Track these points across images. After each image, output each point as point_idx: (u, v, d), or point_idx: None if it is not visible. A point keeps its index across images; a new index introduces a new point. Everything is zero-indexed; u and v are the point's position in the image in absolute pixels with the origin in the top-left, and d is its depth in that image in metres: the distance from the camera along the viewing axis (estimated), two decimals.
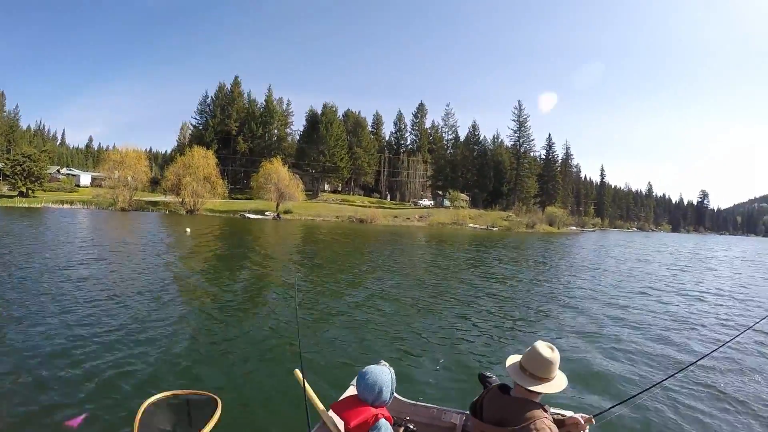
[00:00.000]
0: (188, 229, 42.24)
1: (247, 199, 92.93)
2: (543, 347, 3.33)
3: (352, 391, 3.99)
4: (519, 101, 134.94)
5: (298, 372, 3.85)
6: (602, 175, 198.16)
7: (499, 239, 60.60)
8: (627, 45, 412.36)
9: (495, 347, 11.01)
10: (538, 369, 3.25)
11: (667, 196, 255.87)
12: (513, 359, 3.49)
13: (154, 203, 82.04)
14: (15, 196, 77.53)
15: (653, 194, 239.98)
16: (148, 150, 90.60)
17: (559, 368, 3.38)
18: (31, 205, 71.44)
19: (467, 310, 14.97)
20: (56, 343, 9.60)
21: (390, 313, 13.89)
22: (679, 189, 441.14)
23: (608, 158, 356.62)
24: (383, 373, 3.43)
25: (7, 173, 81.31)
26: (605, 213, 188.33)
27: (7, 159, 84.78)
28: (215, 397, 2.45)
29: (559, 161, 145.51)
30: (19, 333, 10.16)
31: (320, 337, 11.02)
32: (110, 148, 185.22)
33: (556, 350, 3.35)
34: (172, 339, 10.35)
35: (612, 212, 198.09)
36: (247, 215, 77.04)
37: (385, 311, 14.08)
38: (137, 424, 1.77)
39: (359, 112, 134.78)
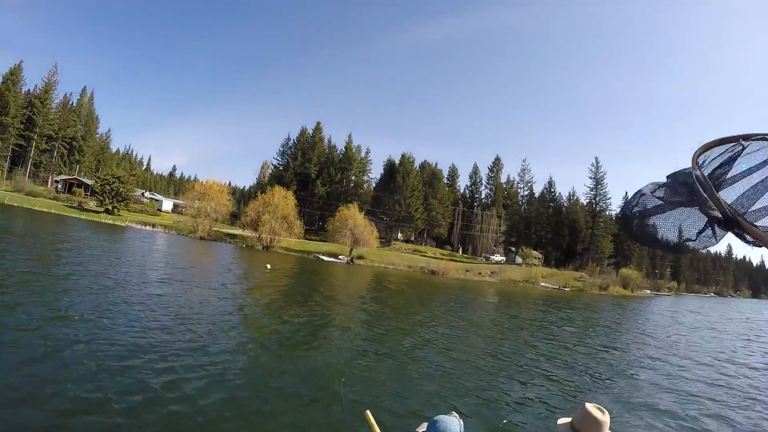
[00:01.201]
0: (268, 265, 42.89)
1: (321, 241, 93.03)
2: (593, 408, 3.29)
3: None
4: (596, 158, 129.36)
5: (368, 413, 3.92)
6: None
7: (571, 300, 58.38)
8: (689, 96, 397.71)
9: (555, 410, 10.85)
10: (588, 429, 3.23)
11: (747, 259, 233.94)
12: (563, 420, 3.46)
13: (232, 236, 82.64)
14: (101, 212, 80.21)
15: (733, 257, 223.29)
16: (227, 184, 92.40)
17: None
18: (116, 223, 73.91)
19: (532, 371, 15.05)
20: (115, 354, 10.41)
21: (456, 367, 14.04)
22: (761, 251, 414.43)
23: None
24: (453, 423, 3.41)
25: (97, 190, 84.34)
26: (682, 276, 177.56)
27: (98, 177, 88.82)
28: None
29: None
30: (84, 343, 11.02)
31: (387, 383, 11.34)
32: (191, 178, 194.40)
33: (606, 413, 3.30)
34: (236, 370, 10.79)
35: (689, 276, 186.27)
36: (321, 257, 76.44)
37: (451, 365, 14.20)
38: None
39: (436, 164, 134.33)
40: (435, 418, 3.45)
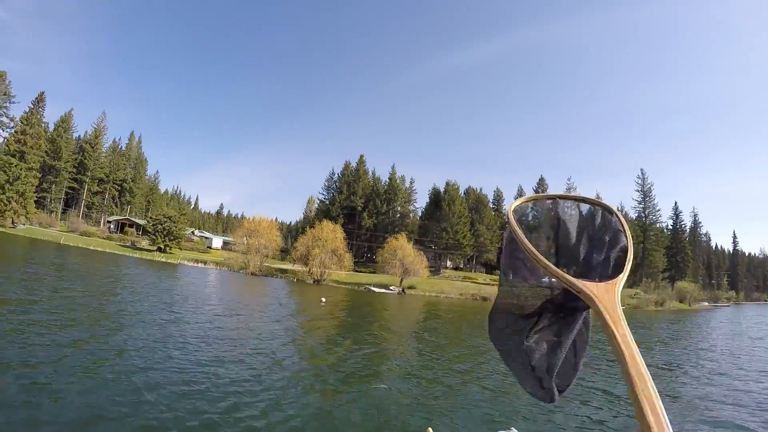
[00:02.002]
0: (323, 299, 43.30)
1: (371, 272, 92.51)
2: None
3: None
4: (642, 170, 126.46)
5: (430, 430, 4.17)
6: (734, 243, 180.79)
7: (627, 319, 55.94)
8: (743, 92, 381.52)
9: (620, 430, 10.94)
10: None
11: None
12: None
13: (283, 270, 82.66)
14: (154, 251, 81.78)
15: None
16: (274, 219, 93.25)
17: None
18: (168, 261, 74.96)
19: (591, 392, 14.95)
20: (174, 385, 10.97)
21: (509, 391, 13.87)
22: None
23: (740, 222, 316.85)
24: None
25: (149, 230, 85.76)
26: (740, 285, 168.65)
27: (150, 218, 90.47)
28: (605, 203, 1.50)
29: (687, 230, 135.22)
30: (140, 375, 11.48)
31: (446, 405, 11.65)
32: (238, 215, 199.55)
33: None
34: (290, 401, 10.96)
35: (747, 283, 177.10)
36: (372, 288, 75.49)
37: (508, 388, 14.12)
38: (522, 237, 1.37)
39: (480, 189, 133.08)
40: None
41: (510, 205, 1.67)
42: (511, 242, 1.55)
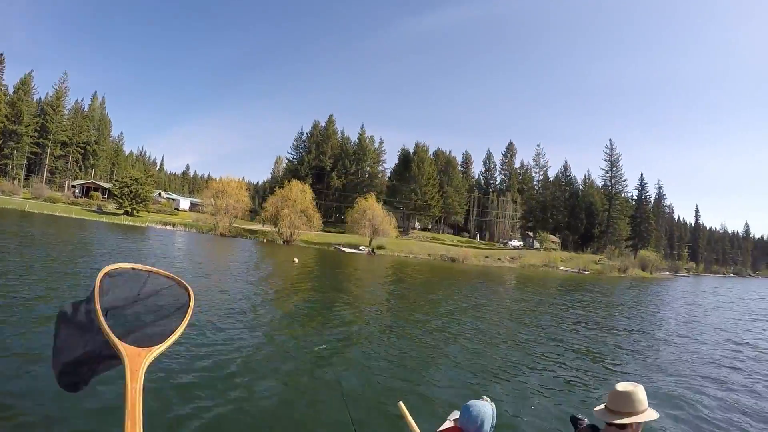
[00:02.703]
0: (296, 259, 43.45)
1: (339, 232, 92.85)
2: (623, 384, 3.33)
3: (449, 424, 4.02)
4: (610, 140, 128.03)
5: (401, 404, 3.89)
6: (697, 216, 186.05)
7: (591, 283, 57.79)
8: (716, 72, 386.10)
9: (584, 391, 11.19)
10: (622, 405, 3.22)
11: (766, 238, 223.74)
12: (598, 407, 3.43)
13: (252, 231, 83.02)
14: (121, 215, 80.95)
15: (751, 236, 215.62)
16: (242, 179, 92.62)
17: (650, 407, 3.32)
18: (136, 224, 74.37)
19: (559, 354, 14.91)
20: None
21: (483, 353, 14.11)
22: None
23: (702, 197, 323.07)
24: (485, 408, 3.52)
25: (115, 193, 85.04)
26: (700, 257, 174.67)
27: (116, 180, 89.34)
28: (185, 284, 1.87)
29: (652, 201, 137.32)
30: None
31: (416, 372, 11.33)
32: (205, 176, 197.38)
33: (639, 386, 3.28)
34: (267, 367, 10.74)
35: (707, 256, 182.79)
36: (342, 248, 76.48)
37: (479, 352, 14.24)
38: (97, 291, 1.56)
39: (450, 152, 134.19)
40: (468, 403, 3.57)
41: (108, 266, 1.83)
42: (94, 294, 1.68)
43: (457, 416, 3.74)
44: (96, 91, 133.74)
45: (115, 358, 1.54)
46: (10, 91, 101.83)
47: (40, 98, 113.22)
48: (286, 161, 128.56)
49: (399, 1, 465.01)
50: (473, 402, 3.57)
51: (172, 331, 1.68)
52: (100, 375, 1.72)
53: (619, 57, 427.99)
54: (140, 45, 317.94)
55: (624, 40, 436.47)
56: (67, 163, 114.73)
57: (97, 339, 1.62)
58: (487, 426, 3.46)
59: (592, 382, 11.94)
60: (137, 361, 1.45)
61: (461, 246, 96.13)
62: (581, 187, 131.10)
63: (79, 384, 1.71)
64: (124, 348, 1.50)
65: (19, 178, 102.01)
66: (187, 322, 1.76)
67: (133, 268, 1.90)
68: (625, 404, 3.19)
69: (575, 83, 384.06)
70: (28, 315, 12.04)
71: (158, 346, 1.57)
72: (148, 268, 1.93)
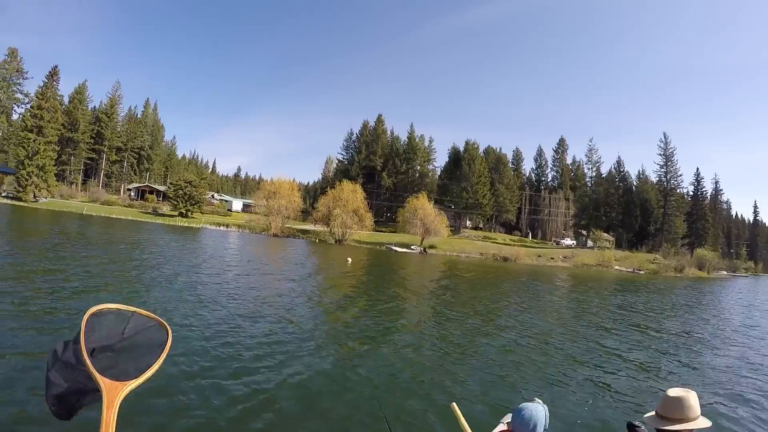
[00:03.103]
0: (349, 259, 43.75)
1: (391, 232, 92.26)
2: (675, 390, 3.27)
3: (502, 427, 3.93)
4: (664, 133, 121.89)
5: (454, 405, 3.78)
6: (755, 213, 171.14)
7: (646, 283, 55.19)
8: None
9: (637, 396, 10.70)
10: (673, 411, 3.17)
11: None
12: (649, 414, 3.37)
13: (305, 231, 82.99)
14: (176, 216, 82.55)
15: None
16: (293, 180, 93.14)
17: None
18: (191, 225, 75.79)
19: (611, 358, 14.48)
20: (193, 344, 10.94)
21: (533, 354, 13.69)
22: None
23: (762, 192, 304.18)
24: (538, 410, 3.39)
25: (170, 195, 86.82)
26: (759, 256, 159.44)
27: (171, 183, 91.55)
28: (165, 323, 2.13)
29: (708, 197, 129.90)
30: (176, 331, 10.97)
31: (468, 373, 11.15)
32: (256, 177, 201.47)
33: (692, 392, 3.22)
34: (319, 362, 10.83)
35: (767, 255, 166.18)
36: (394, 248, 75.33)
37: (530, 353, 13.90)
38: (83, 330, 1.82)
39: (500, 149, 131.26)
40: (520, 405, 3.44)
41: (94, 306, 1.96)
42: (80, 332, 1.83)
43: (510, 419, 3.65)
44: (148, 98, 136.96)
45: (98, 390, 1.68)
46: (66, 100, 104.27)
47: (94, 106, 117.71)
48: (337, 161, 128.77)
49: None
50: (526, 404, 3.44)
51: (149, 367, 1.84)
52: (87, 405, 1.86)
53: (674, 44, 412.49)
54: (189, 50, 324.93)
55: (679, 25, 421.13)
56: (122, 167, 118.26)
57: (82, 373, 1.77)
58: (540, 429, 3.33)
59: (644, 387, 11.51)
60: (113, 393, 1.61)
61: (513, 245, 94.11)
62: (635, 183, 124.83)
63: (69, 413, 1.85)
64: (102, 381, 1.65)
65: (76, 183, 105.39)
66: (162, 359, 1.91)
67: (118, 309, 2.06)
68: (676, 410, 3.14)
69: (627, 73, 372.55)
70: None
71: (134, 380, 1.72)
72: (132, 308, 2.09)
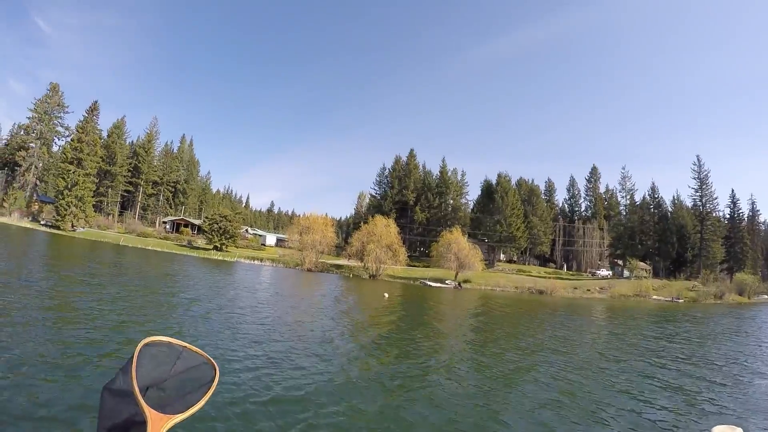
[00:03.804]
0: (386, 294, 43.28)
1: (424, 266, 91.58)
2: (721, 428, 3.24)
3: None
4: (697, 156, 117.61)
5: None
6: None
7: (686, 312, 53.80)
8: None
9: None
10: None
11: None
12: None
13: (338, 266, 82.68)
14: (210, 249, 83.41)
15: None
16: (324, 215, 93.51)
17: None
18: (225, 259, 76.21)
19: (651, 392, 14.02)
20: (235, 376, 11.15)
21: (571, 391, 13.38)
22: None
23: None
24: None
25: (206, 229, 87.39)
26: None
27: (206, 217, 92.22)
28: (213, 362, 2.21)
29: (745, 219, 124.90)
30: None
31: (511, 411, 11.04)
32: (288, 212, 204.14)
33: (738, 429, 3.20)
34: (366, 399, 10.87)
35: None
36: (428, 283, 74.08)
37: (567, 389, 13.53)
38: (135, 360, 1.91)
39: (533, 180, 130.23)
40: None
41: (147, 338, 2.02)
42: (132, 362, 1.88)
43: None
44: (184, 134, 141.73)
45: (144, 421, 1.73)
46: (105, 134, 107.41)
47: (132, 141, 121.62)
48: (369, 196, 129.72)
49: (467, 28, 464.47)
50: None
51: (194, 403, 1.89)
52: None
53: (701, 62, 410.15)
54: (225, 89, 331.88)
55: (706, 42, 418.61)
56: (158, 200, 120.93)
57: (131, 402, 1.80)
58: None
59: (690, 422, 11.23)
60: (159, 425, 1.67)
61: (548, 277, 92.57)
62: (670, 209, 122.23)
63: None
64: (149, 412, 1.70)
65: (113, 214, 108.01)
66: (208, 397, 1.97)
67: (169, 342, 2.13)
68: None
69: (656, 96, 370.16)
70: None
71: (180, 414, 1.78)
72: (183, 343, 2.16)
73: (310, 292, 39.32)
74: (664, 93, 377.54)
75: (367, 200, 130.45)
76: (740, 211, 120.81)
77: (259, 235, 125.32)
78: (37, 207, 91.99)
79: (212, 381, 2.04)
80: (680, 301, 79.70)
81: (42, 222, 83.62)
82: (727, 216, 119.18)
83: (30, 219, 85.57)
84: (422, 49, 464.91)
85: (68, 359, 10.48)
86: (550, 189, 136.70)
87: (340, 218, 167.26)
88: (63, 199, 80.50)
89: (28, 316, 14.55)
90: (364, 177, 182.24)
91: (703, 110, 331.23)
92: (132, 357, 1.85)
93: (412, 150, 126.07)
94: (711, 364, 19.44)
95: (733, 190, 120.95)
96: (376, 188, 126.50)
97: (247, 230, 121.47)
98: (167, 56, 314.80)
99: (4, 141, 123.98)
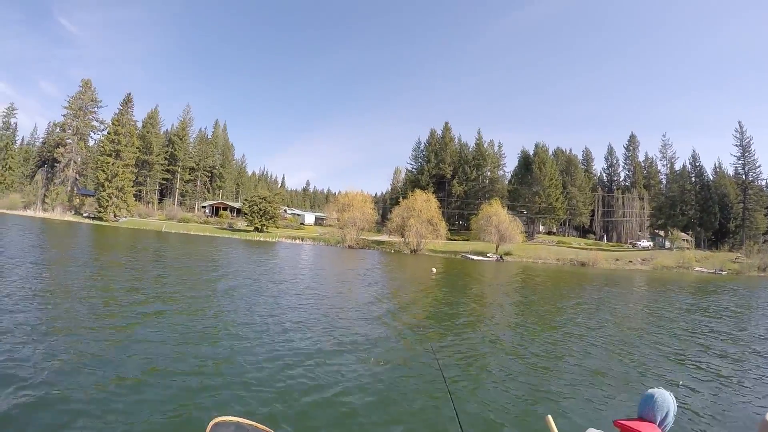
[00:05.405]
0: (434, 269, 43.09)
1: (464, 240, 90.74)
2: None
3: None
4: (739, 122, 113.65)
5: (550, 418, 3.57)
6: None
7: (729, 284, 51.45)
8: None
9: (736, 414, 9.79)
10: None
11: None
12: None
13: (379, 242, 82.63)
14: (251, 231, 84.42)
15: None
16: (360, 191, 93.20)
17: None
18: (267, 239, 76.77)
19: (700, 370, 13.31)
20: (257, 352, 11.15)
21: (620, 364, 13.14)
22: None
23: None
24: (670, 397, 3.21)
25: (246, 211, 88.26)
26: None
27: (246, 200, 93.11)
28: None
29: None
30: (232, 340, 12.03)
31: (560, 382, 10.92)
32: (323, 191, 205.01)
33: None
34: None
35: None
36: (470, 256, 73.51)
37: (616, 362, 13.37)
38: None
39: (570, 150, 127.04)
40: (650, 391, 3.23)
41: (217, 417, 2.12)
42: None
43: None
44: (217, 119, 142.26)
45: None
46: (140, 125, 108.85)
47: (167, 129, 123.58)
48: (406, 171, 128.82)
49: None
50: (655, 390, 3.18)
51: None
52: None
53: (744, 24, 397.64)
54: (256, 70, 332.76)
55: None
56: (195, 186, 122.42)
57: None
58: (671, 417, 3.11)
59: (740, 404, 10.50)
60: None
61: (589, 249, 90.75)
62: (712, 178, 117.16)
63: None
64: None
65: (153, 202, 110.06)
66: None
67: (238, 422, 2.17)
68: None
69: (695, 59, 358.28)
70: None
71: None
72: (251, 422, 2.19)
73: (359, 270, 37.98)
74: (705, 59, 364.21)
75: (404, 175, 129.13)
76: None
77: (297, 215, 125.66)
78: (78, 201, 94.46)
79: None
80: (723, 273, 77.31)
81: (85, 214, 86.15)
82: None
83: (73, 213, 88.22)
84: (456, 18, 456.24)
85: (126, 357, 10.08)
86: (587, 158, 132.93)
87: (376, 194, 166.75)
88: (104, 190, 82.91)
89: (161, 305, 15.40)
90: (398, 152, 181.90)
91: (743, 76, 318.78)
92: None
93: (447, 123, 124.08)
94: (760, 342, 18.25)
95: None
96: (412, 163, 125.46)
97: (285, 210, 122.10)
98: (194, 44, 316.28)
99: (41, 140, 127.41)
